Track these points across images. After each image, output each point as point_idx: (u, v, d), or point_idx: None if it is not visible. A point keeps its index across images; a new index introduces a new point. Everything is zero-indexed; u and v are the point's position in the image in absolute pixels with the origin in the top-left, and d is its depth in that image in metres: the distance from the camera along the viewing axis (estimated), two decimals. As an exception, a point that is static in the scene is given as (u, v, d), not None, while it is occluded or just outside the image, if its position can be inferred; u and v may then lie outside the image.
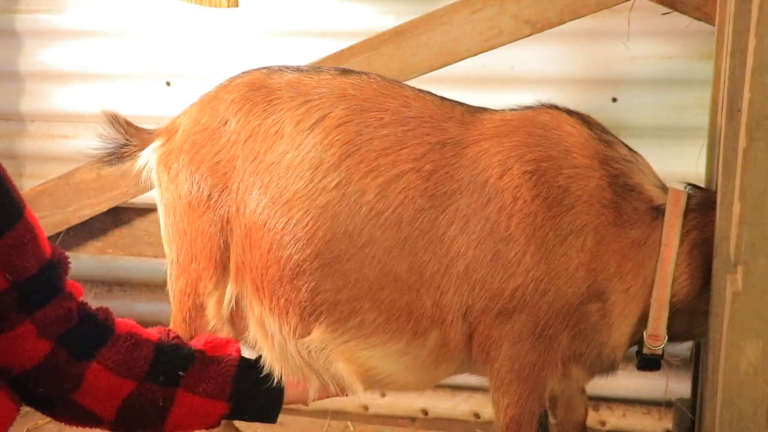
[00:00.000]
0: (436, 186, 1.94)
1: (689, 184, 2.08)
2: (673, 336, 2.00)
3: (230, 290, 2.05)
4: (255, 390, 1.93)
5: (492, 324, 1.93)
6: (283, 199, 1.96)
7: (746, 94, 1.33)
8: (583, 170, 1.94)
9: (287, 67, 2.11)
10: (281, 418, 2.00)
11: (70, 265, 1.72)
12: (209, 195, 2.02)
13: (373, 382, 2.05)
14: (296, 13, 3.15)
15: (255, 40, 3.19)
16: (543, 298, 1.91)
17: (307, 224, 1.93)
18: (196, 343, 1.93)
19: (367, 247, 1.93)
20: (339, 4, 3.10)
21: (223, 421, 2.04)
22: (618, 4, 2.58)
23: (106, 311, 1.80)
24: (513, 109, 2.08)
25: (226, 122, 2.03)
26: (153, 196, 2.97)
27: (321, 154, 1.96)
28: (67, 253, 1.76)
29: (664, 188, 2.01)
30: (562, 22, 2.56)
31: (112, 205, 3.00)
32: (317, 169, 1.95)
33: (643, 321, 1.97)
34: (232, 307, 2.06)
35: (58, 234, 3.05)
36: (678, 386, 2.95)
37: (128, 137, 2.14)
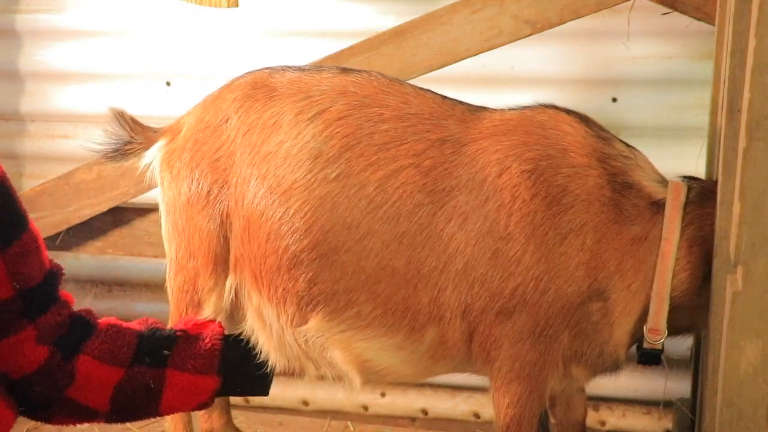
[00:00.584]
0: (435, 182, 1.95)
1: (687, 177, 2.08)
2: (674, 330, 2.00)
3: (229, 282, 2.06)
4: (244, 361, 1.96)
5: (492, 323, 1.93)
6: (281, 188, 1.96)
7: (746, 94, 1.33)
8: (582, 169, 1.95)
9: (289, 67, 2.12)
10: (281, 418, 2.00)
11: (64, 275, 1.77)
12: (209, 191, 2.03)
13: (370, 373, 2.05)
14: (296, 13, 3.15)
15: (255, 40, 3.19)
16: (543, 297, 1.91)
17: (305, 214, 1.94)
18: (178, 326, 1.95)
19: (365, 240, 1.93)
20: (339, 4, 3.10)
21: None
22: (618, 4, 2.58)
23: (88, 311, 1.83)
24: (512, 109, 2.09)
25: (228, 120, 2.04)
26: (153, 196, 2.98)
27: (320, 145, 1.96)
28: (68, 253, 1.79)
29: (663, 182, 2.02)
30: (562, 22, 2.56)
31: (112, 205, 3.01)
32: (316, 159, 1.96)
33: (644, 317, 1.97)
34: (231, 298, 2.07)
35: (58, 234, 3.05)
36: (678, 386, 2.95)
37: (133, 135, 2.15)
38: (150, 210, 3.09)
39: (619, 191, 1.95)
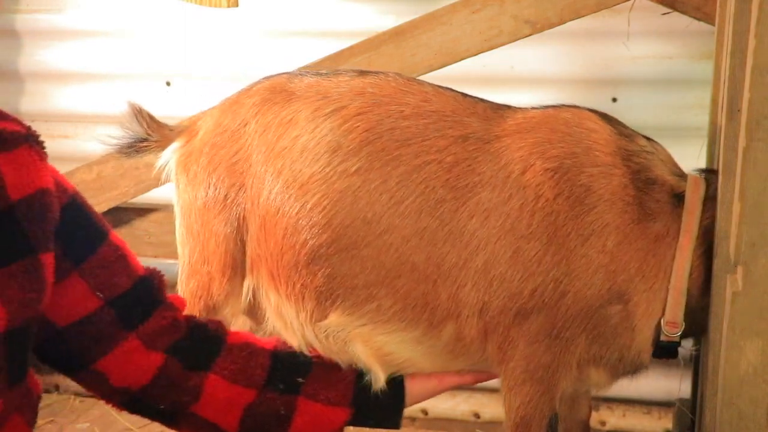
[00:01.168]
0: (458, 178, 1.93)
1: (707, 170, 2.05)
2: (692, 327, 1.96)
3: (247, 284, 2.04)
4: (377, 393, 1.90)
5: (510, 325, 1.92)
6: (298, 183, 1.94)
7: (746, 94, 1.33)
8: (606, 168, 1.93)
9: (307, 72, 2.12)
10: (281, 418, 1.99)
11: (165, 279, 1.73)
12: (226, 195, 2.01)
13: (392, 366, 2.02)
14: (296, 13, 3.15)
15: (255, 40, 3.19)
16: (562, 299, 1.89)
17: (324, 208, 1.92)
18: (313, 351, 1.91)
19: (386, 235, 1.91)
20: (339, 4, 3.10)
21: None
22: (618, 4, 2.58)
23: (218, 323, 1.79)
24: (535, 108, 2.08)
25: (246, 124, 2.03)
26: (153, 196, 2.99)
27: (339, 139, 1.94)
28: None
29: (683, 176, 2.00)
30: (562, 22, 2.56)
31: (112, 205, 3.00)
32: (335, 152, 1.94)
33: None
34: (249, 299, 2.05)
35: (58, 234, 3.05)
36: (678, 386, 2.95)
37: (150, 132, 2.14)
38: (150, 210, 3.10)
39: (642, 189, 1.93)
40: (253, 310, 2.09)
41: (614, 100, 2.94)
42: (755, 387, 1.40)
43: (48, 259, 1.48)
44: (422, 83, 2.07)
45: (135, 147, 2.15)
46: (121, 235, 1.73)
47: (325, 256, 1.93)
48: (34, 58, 3.41)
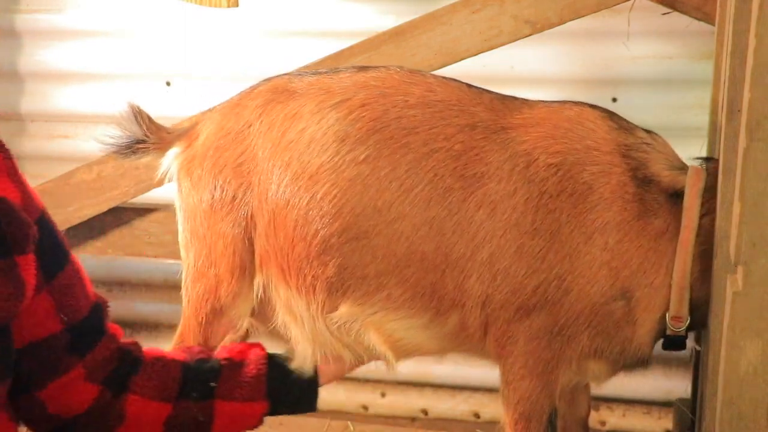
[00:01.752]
0: (466, 167, 1.93)
1: (706, 159, 2.05)
2: (697, 321, 1.97)
3: (257, 281, 2.04)
4: (289, 381, 1.93)
5: (511, 320, 1.93)
6: (307, 174, 1.94)
7: (746, 94, 1.33)
8: (606, 166, 1.94)
9: (307, 72, 2.13)
10: (281, 417, 1.99)
11: (109, 308, 1.72)
12: (233, 196, 2.01)
13: (403, 351, 2.04)
14: (296, 13, 3.15)
15: (255, 40, 3.19)
16: (565, 297, 1.90)
17: (334, 197, 1.92)
18: (221, 354, 1.92)
19: (396, 223, 1.92)
20: (339, 4, 3.10)
21: None
22: (618, 4, 2.58)
23: (134, 343, 1.79)
24: (540, 101, 2.08)
25: (250, 125, 2.03)
26: (153, 196, 2.99)
27: (347, 128, 1.94)
28: None
29: (683, 168, 2.00)
30: (562, 22, 2.56)
31: (112, 205, 3.00)
32: (343, 142, 1.94)
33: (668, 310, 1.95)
34: (260, 296, 2.05)
35: (58, 234, 3.05)
36: (678, 386, 2.95)
37: (148, 134, 2.14)
38: (150, 210, 3.09)
39: (641, 185, 1.94)
40: (260, 310, 2.08)
41: (614, 100, 2.94)
42: (755, 387, 1.40)
43: (25, 261, 1.48)
44: (425, 74, 2.08)
45: (133, 148, 2.15)
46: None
47: (337, 245, 1.93)
48: (34, 58, 3.41)
